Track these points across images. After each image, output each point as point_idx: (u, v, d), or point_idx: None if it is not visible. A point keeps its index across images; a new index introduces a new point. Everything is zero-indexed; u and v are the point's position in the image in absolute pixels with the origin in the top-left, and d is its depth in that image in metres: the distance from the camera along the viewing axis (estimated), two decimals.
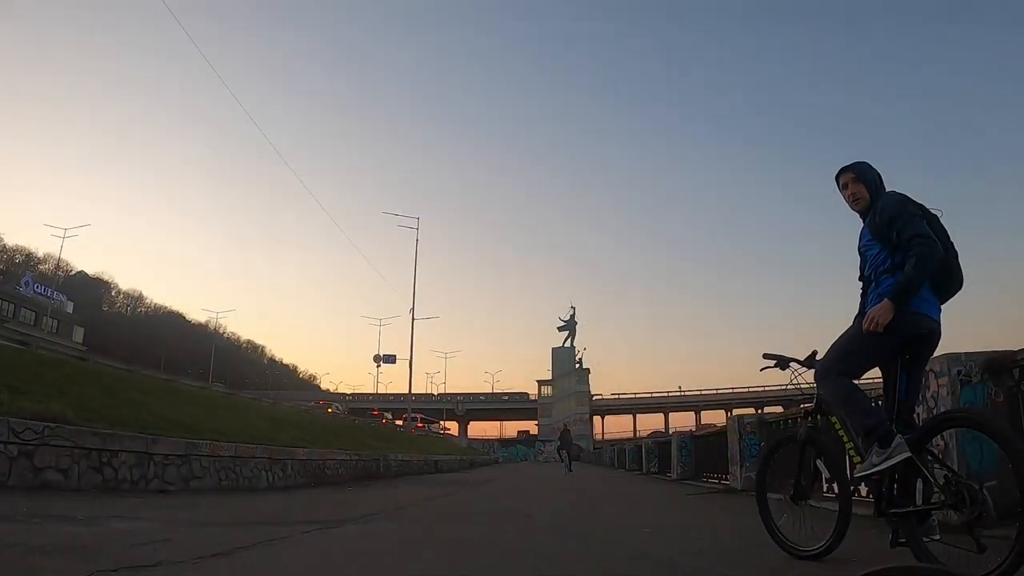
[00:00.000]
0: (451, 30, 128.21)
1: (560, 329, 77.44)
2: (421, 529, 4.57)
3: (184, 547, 3.00)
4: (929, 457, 2.42)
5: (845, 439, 2.65)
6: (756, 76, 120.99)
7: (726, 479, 9.11)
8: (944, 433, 3.29)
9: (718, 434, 10.31)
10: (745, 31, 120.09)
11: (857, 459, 2.57)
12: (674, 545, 3.71)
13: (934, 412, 3.57)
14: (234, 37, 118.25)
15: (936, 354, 3.59)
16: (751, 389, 62.79)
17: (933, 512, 2.32)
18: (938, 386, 3.58)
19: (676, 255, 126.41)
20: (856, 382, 2.66)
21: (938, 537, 2.29)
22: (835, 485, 3.00)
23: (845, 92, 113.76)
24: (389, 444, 17.61)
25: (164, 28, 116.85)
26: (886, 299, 2.44)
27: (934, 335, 2.54)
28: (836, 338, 2.72)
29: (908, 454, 2.33)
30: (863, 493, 2.68)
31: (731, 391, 69.86)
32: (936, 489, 2.28)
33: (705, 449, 11.28)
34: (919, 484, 2.37)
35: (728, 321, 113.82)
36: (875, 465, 2.41)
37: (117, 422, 6.45)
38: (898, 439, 2.37)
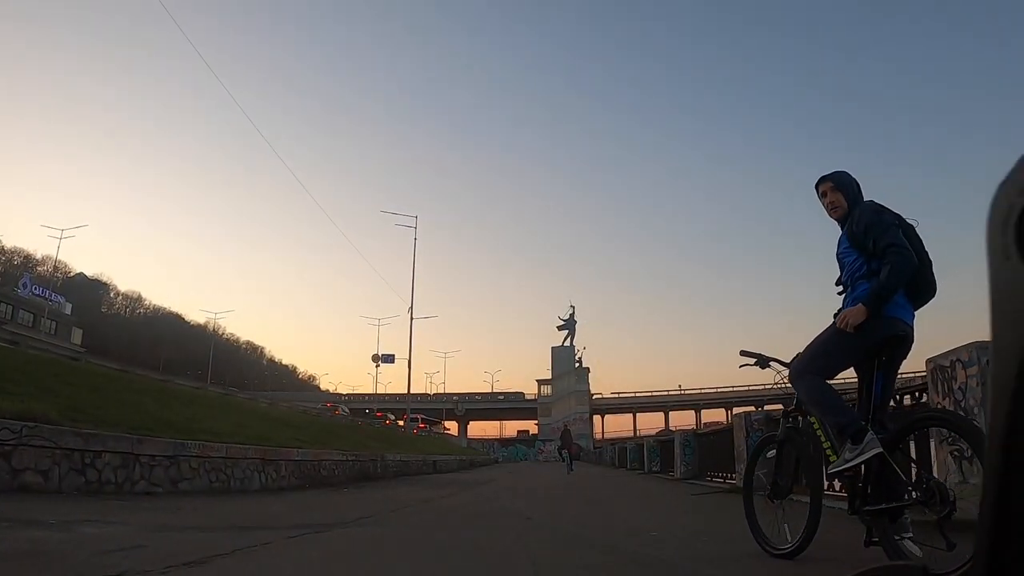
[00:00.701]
0: (451, 30, 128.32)
1: (560, 328, 77.29)
2: (416, 533, 4.38)
3: (156, 554, 2.78)
4: (902, 455, 2.45)
5: (822, 439, 2.66)
6: (756, 76, 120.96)
7: (732, 478, 8.92)
8: None
9: (723, 432, 10.11)
10: (745, 32, 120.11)
11: (833, 458, 2.59)
12: (682, 549, 3.49)
13: (962, 405, 3.35)
14: (233, 37, 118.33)
15: (964, 344, 3.41)
16: (751, 388, 62.39)
17: (906, 510, 2.33)
18: (966, 376, 3.33)
19: (676, 255, 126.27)
20: (830, 382, 2.69)
21: (911, 535, 2.31)
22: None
23: (846, 92, 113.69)
24: (389, 445, 17.39)
25: (162, 28, 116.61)
26: (860, 303, 2.50)
27: (908, 338, 2.57)
28: (812, 339, 2.75)
29: (879, 449, 2.35)
30: (837, 489, 2.61)
31: (731, 390, 69.41)
32: (908, 487, 2.34)
33: (709, 448, 11.09)
34: (892, 482, 2.39)
35: (728, 320, 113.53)
36: (848, 461, 2.44)
37: (105, 422, 6.22)
38: (870, 435, 2.40)
